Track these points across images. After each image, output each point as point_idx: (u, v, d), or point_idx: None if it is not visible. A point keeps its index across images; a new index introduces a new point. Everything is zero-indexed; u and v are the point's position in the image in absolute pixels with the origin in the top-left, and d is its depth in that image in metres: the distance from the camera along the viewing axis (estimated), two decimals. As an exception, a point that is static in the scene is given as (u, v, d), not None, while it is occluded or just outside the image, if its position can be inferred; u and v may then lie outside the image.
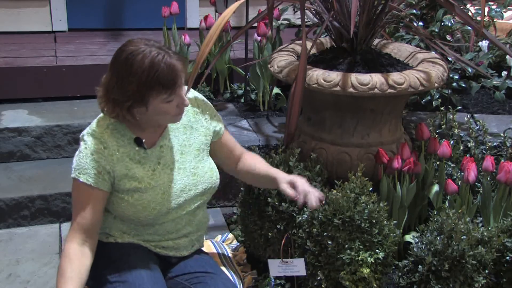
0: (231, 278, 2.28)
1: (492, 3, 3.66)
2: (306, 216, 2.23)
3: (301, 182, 2.06)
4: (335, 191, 2.19)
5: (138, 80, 1.84)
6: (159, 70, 1.84)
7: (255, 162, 2.26)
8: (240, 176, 2.30)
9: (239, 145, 2.30)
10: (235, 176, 2.33)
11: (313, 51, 2.87)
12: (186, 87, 2.04)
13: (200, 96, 2.18)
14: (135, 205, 1.99)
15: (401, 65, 2.66)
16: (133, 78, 1.84)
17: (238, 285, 2.28)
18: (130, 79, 1.84)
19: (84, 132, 1.99)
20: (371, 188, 2.23)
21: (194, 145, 2.12)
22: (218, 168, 2.17)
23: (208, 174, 2.13)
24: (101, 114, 2.00)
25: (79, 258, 1.90)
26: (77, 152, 1.98)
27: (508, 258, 2.22)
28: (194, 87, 3.11)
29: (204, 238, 2.51)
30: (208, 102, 2.20)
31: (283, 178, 2.10)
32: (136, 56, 1.84)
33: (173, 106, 1.92)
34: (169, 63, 1.86)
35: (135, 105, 1.89)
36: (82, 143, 1.97)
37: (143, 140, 2.00)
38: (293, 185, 2.06)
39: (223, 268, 2.34)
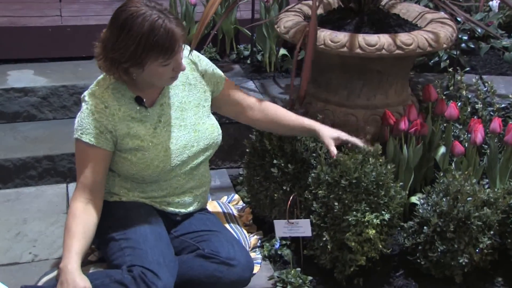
0: (235, 235, 2.30)
1: (503, -39, 3.60)
2: (313, 175, 2.22)
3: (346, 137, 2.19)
4: (342, 153, 2.18)
5: (137, 43, 1.83)
6: (158, 34, 1.83)
7: (282, 113, 2.26)
8: (262, 126, 2.31)
9: (254, 97, 2.29)
10: (254, 126, 2.36)
11: (320, 11, 2.83)
12: (183, 52, 2.02)
13: (195, 52, 2.16)
14: (138, 164, 2.01)
15: (409, 26, 2.63)
16: (132, 40, 1.83)
17: (243, 243, 2.30)
18: (129, 41, 1.84)
19: (85, 93, 2.00)
20: (380, 152, 2.22)
21: (193, 101, 2.13)
22: (231, 124, 2.19)
23: (209, 130, 2.14)
24: (102, 75, 2.01)
25: (84, 216, 1.93)
26: (79, 113, 1.99)
27: (513, 219, 2.22)
28: (200, 49, 3.09)
29: (210, 199, 2.53)
30: (204, 57, 2.20)
31: (327, 133, 2.18)
32: (136, 18, 1.83)
33: (169, 70, 1.93)
34: (168, 28, 1.85)
35: (132, 66, 1.88)
36: (83, 103, 1.98)
37: (144, 100, 2.00)
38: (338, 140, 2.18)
39: (228, 227, 2.36)
